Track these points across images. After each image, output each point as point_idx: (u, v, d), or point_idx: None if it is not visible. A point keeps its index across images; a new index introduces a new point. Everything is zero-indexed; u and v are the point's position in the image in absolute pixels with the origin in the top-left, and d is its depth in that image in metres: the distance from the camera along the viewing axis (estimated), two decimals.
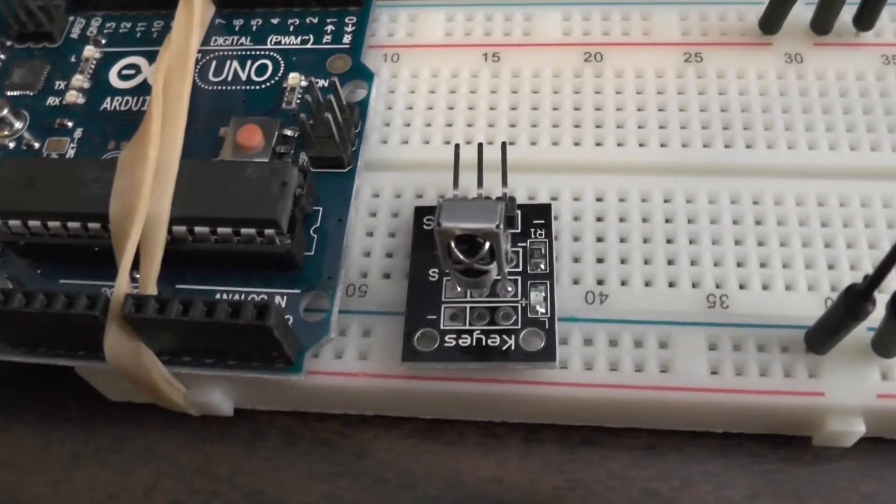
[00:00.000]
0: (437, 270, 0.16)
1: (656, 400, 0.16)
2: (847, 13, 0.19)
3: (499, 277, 0.15)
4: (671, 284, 0.17)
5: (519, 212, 0.17)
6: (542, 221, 0.17)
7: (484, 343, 0.15)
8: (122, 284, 0.15)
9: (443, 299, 0.16)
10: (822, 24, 0.19)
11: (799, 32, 0.20)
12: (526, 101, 0.19)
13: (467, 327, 0.16)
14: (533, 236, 0.17)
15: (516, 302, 0.16)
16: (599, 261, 0.17)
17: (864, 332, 0.16)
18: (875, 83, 0.19)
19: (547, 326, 0.15)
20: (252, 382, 0.16)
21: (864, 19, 0.19)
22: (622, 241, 0.17)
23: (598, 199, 0.18)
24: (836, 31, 0.20)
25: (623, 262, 0.17)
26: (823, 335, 0.15)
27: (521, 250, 0.16)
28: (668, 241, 0.17)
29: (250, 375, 0.16)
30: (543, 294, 0.16)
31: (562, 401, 0.16)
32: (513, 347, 0.15)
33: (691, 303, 0.16)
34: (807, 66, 0.19)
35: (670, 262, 0.17)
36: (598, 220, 0.17)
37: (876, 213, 0.17)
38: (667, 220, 0.17)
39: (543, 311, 0.16)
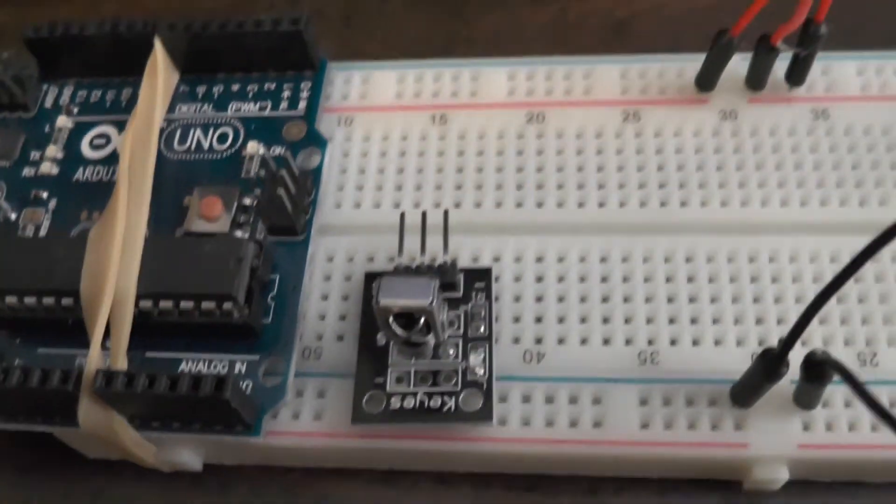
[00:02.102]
0: (385, 336, 0.18)
1: (590, 453, 0.18)
2: (782, 68, 0.21)
3: (440, 341, 0.17)
4: (605, 342, 0.18)
5: (461, 275, 0.19)
6: (483, 284, 0.19)
7: (426, 404, 0.17)
8: (93, 359, 0.17)
9: (389, 363, 0.18)
10: (755, 80, 0.21)
11: (734, 89, 0.21)
12: (471, 163, 0.21)
13: (411, 389, 0.18)
14: (474, 300, 0.18)
15: (457, 364, 0.18)
16: (538, 320, 0.19)
17: (788, 385, 0.18)
18: (806, 138, 0.21)
19: (485, 387, 0.17)
20: (218, 441, 0.18)
21: (796, 75, 0.21)
22: (560, 300, 0.19)
23: (539, 260, 0.19)
24: (770, 86, 0.21)
25: (560, 321, 0.19)
26: (745, 392, 0.17)
27: (462, 313, 0.18)
28: (604, 300, 0.19)
29: (213, 438, 0.18)
30: (482, 356, 0.18)
31: (502, 455, 0.18)
32: (453, 408, 0.17)
33: (624, 359, 0.18)
34: (741, 122, 0.21)
35: (605, 321, 0.19)
36: (538, 280, 0.19)
37: (803, 268, 0.19)
38: (602, 279, 0.19)
39: (482, 372, 0.18)
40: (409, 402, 0.17)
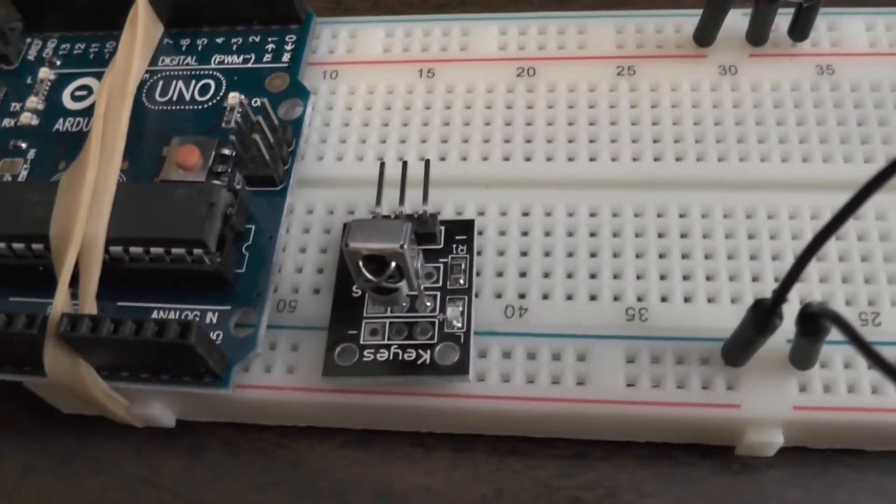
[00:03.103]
0: (361, 287, 0.18)
1: (572, 412, 0.17)
2: (785, 24, 0.21)
3: (415, 293, 0.17)
4: (592, 298, 0.18)
5: (443, 228, 0.18)
6: (465, 237, 0.18)
7: (400, 357, 0.17)
8: (59, 303, 0.17)
9: (364, 315, 0.18)
10: (756, 35, 0.21)
11: (734, 44, 0.21)
12: (458, 117, 0.20)
13: (386, 342, 0.17)
14: (455, 252, 0.18)
15: (434, 317, 0.17)
16: (522, 275, 0.18)
17: (784, 344, 0.17)
18: (809, 93, 0.20)
19: (462, 341, 0.17)
20: (189, 396, 0.18)
21: (799, 30, 0.21)
22: (546, 255, 0.19)
23: (525, 214, 0.19)
24: (772, 42, 0.21)
25: (546, 275, 0.18)
26: (737, 349, 0.17)
27: (441, 266, 0.18)
28: (592, 255, 0.19)
29: (182, 390, 0.18)
30: (461, 309, 0.17)
31: (480, 413, 0.17)
32: (428, 361, 0.17)
33: (611, 316, 0.18)
34: (741, 77, 0.20)
35: (592, 276, 0.18)
36: (524, 234, 0.19)
37: (804, 225, 0.19)
38: (591, 234, 0.19)
39: (459, 325, 0.17)
40: (383, 355, 0.17)
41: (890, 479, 0.18)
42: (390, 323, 0.17)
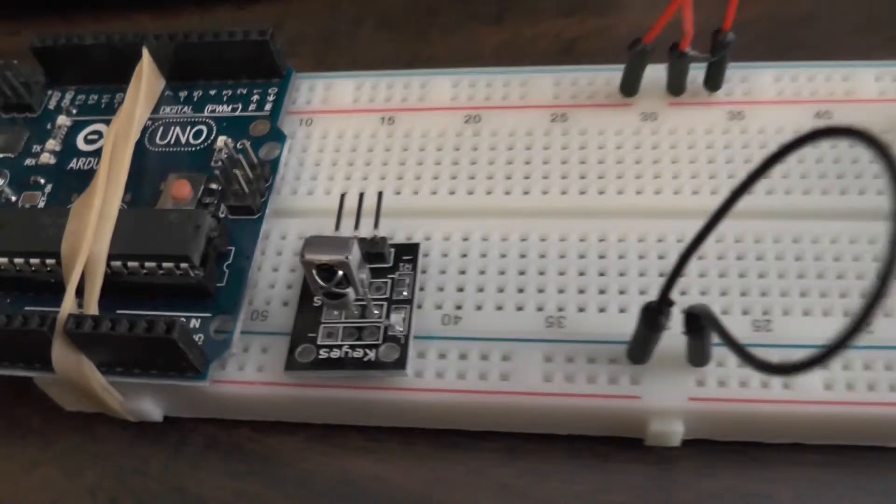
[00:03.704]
0: (319, 298, 0.22)
1: (496, 402, 0.21)
2: (702, 76, 0.25)
3: (364, 303, 0.21)
4: (519, 308, 0.22)
5: (392, 249, 0.23)
6: (411, 257, 0.22)
7: (350, 355, 0.21)
8: (66, 307, 0.21)
9: (321, 321, 0.22)
10: (674, 86, 0.25)
11: (656, 94, 0.25)
12: (412, 158, 0.25)
13: (338, 343, 0.21)
14: (401, 269, 0.22)
15: (380, 322, 0.21)
16: (460, 289, 0.22)
17: (683, 346, 0.21)
18: (721, 136, 0.24)
19: (402, 342, 0.21)
20: (174, 390, 0.22)
21: (712, 81, 0.25)
22: (481, 273, 0.23)
23: (465, 239, 0.23)
24: (691, 92, 0.25)
25: (480, 290, 0.22)
26: (636, 347, 0.21)
27: (389, 281, 0.22)
28: (521, 273, 0.22)
29: (167, 383, 0.22)
30: (403, 316, 0.22)
31: (418, 405, 0.21)
32: (373, 359, 0.21)
33: (533, 323, 0.22)
34: (661, 122, 0.25)
35: (520, 290, 0.22)
36: (463, 256, 0.23)
37: (708, 247, 0.22)
38: (521, 255, 0.23)
39: (401, 329, 0.21)
40: (336, 353, 0.21)
41: (791, 468, 0.21)
42: (343, 328, 0.22)
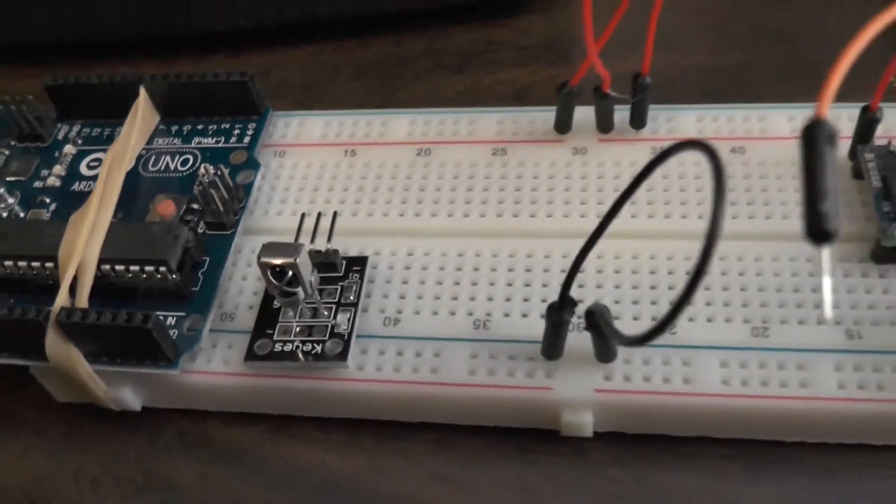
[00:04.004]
0: (277, 300, 0.26)
1: (427, 392, 0.24)
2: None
3: (314, 303, 0.25)
4: (451, 313, 0.25)
5: (344, 261, 0.26)
6: (359, 268, 0.26)
7: (300, 349, 0.25)
8: (59, 301, 0.25)
9: (279, 320, 0.25)
10: (602, 124, 0.29)
11: (588, 132, 0.29)
12: (369, 185, 0.29)
13: (292, 338, 0.25)
14: (350, 278, 0.26)
15: (328, 322, 0.25)
16: (402, 297, 0.26)
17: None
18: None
19: (346, 338, 0.25)
20: (151, 380, 0.26)
21: (636, 119, 0.29)
22: (421, 283, 0.26)
23: (409, 254, 0.27)
24: (619, 129, 0.29)
25: (419, 297, 0.26)
26: (547, 344, 0.24)
27: (339, 287, 0.26)
28: (456, 283, 0.26)
29: (144, 371, 0.25)
30: (348, 316, 0.25)
31: (360, 394, 0.25)
32: (319, 352, 0.25)
33: (462, 326, 0.25)
34: (590, 156, 0.28)
35: (454, 298, 0.26)
36: (406, 268, 0.27)
37: (624, 264, 0.26)
38: (457, 269, 0.26)
39: (346, 327, 0.25)
40: (288, 347, 0.25)
41: (695, 460, 0.24)
42: (297, 327, 0.25)
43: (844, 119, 0.28)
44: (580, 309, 0.23)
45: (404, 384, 0.24)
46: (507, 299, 0.26)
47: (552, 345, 0.24)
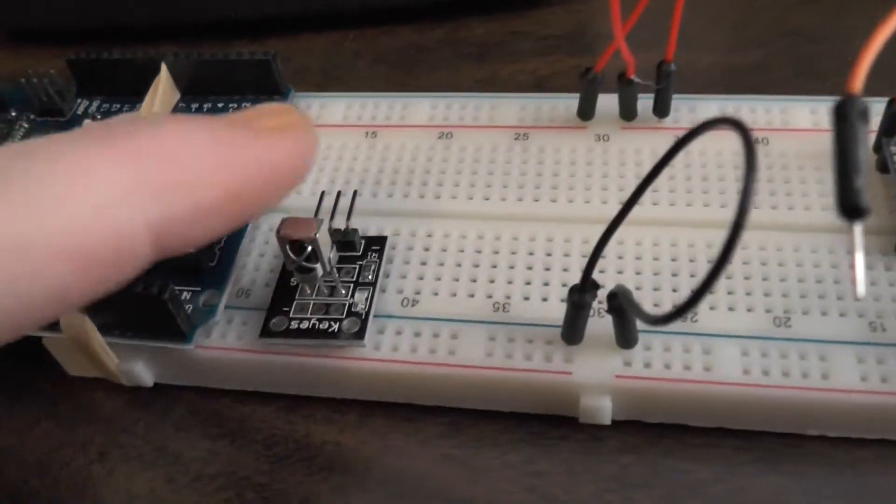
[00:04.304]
0: (294, 276, 0.25)
1: (443, 373, 0.24)
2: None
3: (331, 281, 0.25)
4: (470, 295, 0.25)
5: (363, 240, 0.26)
6: (378, 248, 0.26)
7: (317, 327, 0.24)
8: None
9: (295, 298, 0.25)
10: (626, 112, 0.28)
11: (610, 119, 0.29)
12: (389, 167, 0.29)
13: (308, 316, 0.25)
14: (368, 258, 0.26)
15: (345, 300, 0.25)
16: (420, 278, 0.26)
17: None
18: None
19: (363, 317, 0.24)
20: (163, 355, 0.26)
21: (659, 108, 0.28)
22: (440, 265, 0.26)
23: (429, 236, 0.27)
24: (642, 118, 0.29)
25: (437, 279, 0.26)
26: (567, 327, 0.24)
27: (357, 266, 0.26)
28: (475, 266, 0.26)
29: (156, 344, 0.25)
30: (366, 295, 0.25)
31: (374, 374, 0.24)
32: (336, 330, 0.24)
33: (481, 307, 0.25)
34: (612, 144, 0.28)
35: (473, 280, 0.25)
36: (426, 250, 0.26)
37: (644, 250, 0.25)
38: (477, 251, 0.26)
39: (363, 307, 0.25)
40: (305, 325, 0.24)
41: (712, 449, 0.24)
42: (314, 304, 0.25)
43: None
44: (601, 295, 0.23)
45: (421, 365, 0.24)
46: (527, 283, 0.25)
47: (572, 328, 0.23)
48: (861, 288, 0.16)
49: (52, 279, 0.15)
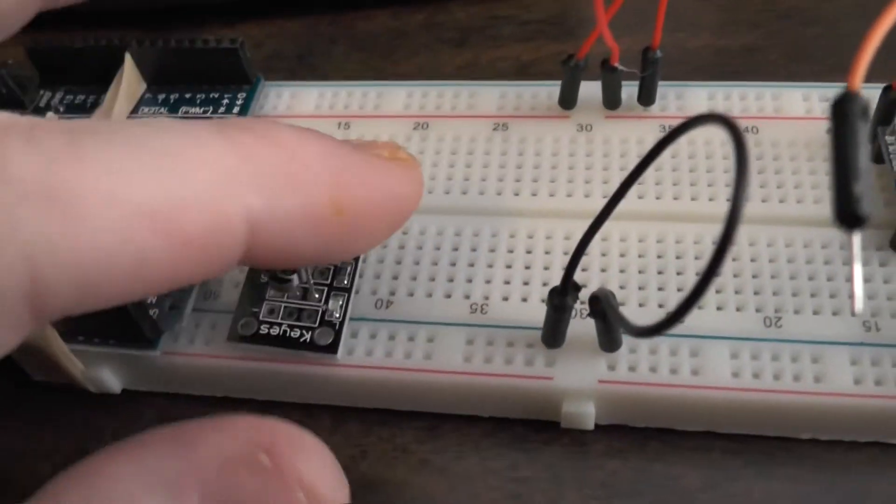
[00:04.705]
0: (265, 276, 0.24)
1: (419, 380, 0.23)
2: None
3: (306, 286, 0.23)
4: (447, 296, 0.24)
5: None
6: None
7: (288, 334, 0.23)
8: None
9: (266, 298, 0.24)
10: (609, 100, 0.27)
11: (593, 108, 0.27)
12: None
13: (279, 321, 0.23)
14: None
15: (319, 306, 0.23)
16: (395, 278, 0.24)
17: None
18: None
19: (337, 327, 0.23)
20: (131, 361, 0.24)
21: (644, 96, 0.27)
22: (416, 263, 0.25)
23: (404, 233, 0.25)
24: (627, 106, 0.27)
25: (413, 278, 0.24)
26: (548, 331, 0.22)
27: (332, 268, 0.24)
28: (452, 265, 0.24)
29: (123, 351, 0.24)
30: (341, 302, 0.23)
31: (348, 380, 0.23)
32: (308, 340, 0.23)
33: (458, 309, 0.23)
34: (595, 133, 0.27)
35: (450, 280, 0.24)
36: (400, 248, 0.25)
37: (630, 246, 0.24)
38: (453, 249, 0.25)
39: (338, 315, 0.23)
40: (275, 330, 0.23)
41: (701, 453, 0.22)
42: (284, 307, 0.24)
43: None
44: (584, 294, 0.22)
45: (396, 370, 0.23)
46: (506, 282, 0.24)
47: (553, 332, 0.22)
48: (859, 304, 0.15)
49: (152, 252, 0.15)
